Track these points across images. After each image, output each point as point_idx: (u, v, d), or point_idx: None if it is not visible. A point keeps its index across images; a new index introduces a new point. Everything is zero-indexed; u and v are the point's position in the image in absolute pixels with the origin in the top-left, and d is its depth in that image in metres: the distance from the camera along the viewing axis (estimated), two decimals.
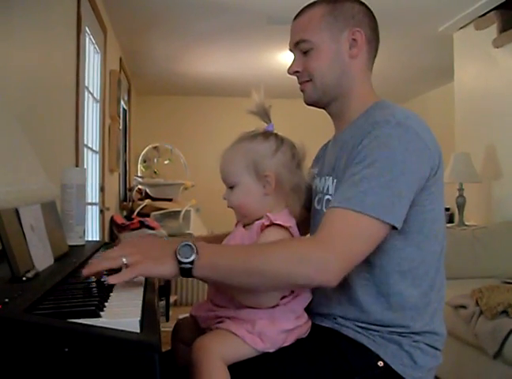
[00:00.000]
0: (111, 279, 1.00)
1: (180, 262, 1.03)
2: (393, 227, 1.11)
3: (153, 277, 1.16)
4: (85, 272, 1.04)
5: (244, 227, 1.26)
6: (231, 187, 1.24)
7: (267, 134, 1.24)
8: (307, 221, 1.40)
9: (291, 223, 1.19)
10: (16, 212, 1.07)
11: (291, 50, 1.35)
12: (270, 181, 1.20)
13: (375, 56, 1.35)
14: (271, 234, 1.16)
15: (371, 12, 1.33)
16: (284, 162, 1.21)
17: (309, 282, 1.06)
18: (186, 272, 1.04)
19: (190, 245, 1.04)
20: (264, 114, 1.27)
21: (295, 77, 1.36)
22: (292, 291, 1.20)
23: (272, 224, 1.16)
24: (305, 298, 1.22)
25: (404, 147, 1.12)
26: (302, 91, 1.35)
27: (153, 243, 1.18)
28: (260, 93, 1.25)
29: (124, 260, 1.03)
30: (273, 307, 1.16)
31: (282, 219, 1.17)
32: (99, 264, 1.05)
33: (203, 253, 1.04)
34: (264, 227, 1.17)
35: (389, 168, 1.10)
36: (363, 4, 1.33)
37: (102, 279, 1.08)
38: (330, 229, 1.09)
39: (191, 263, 1.03)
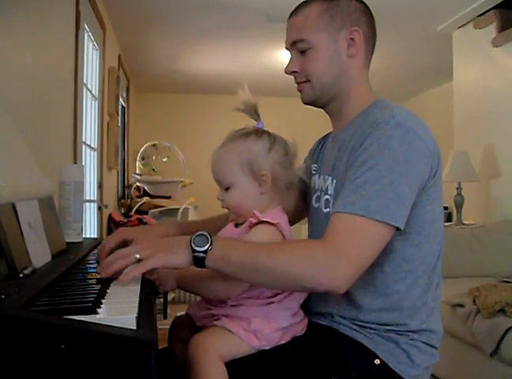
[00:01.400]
0: (123, 277, 1.02)
1: (194, 251, 1.05)
2: (397, 229, 1.11)
3: (168, 268, 1.15)
4: (103, 275, 1.05)
5: (236, 226, 1.26)
6: (226, 188, 1.23)
7: (259, 132, 1.23)
8: (300, 212, 1.42)
9: (280, 219, 1.19)
10: (13, 207, 1.07)
11: (287, 48, 1.34)
12: (266, 180, 1.20)
13: (373, 53, 1.35)
14: (258, 232, 1.16)
15: (368, 8, 1.32)
16: (279, 160, 1.21)
17: (317, 286, 1.04)
18: (199, 261, 1.05)
19: (205, 235, 1.06)
20: (252, 111, 1.25)
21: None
22: None
23: (260, 222, 1.16)
24: (300, 296, 1.22)
25: (404, 148, 1.12)
26: (299, 91, 1.34)
27: (165, 238, 1.23)
28: (245, 91, 1.25)
29: (137, 255, 1.04)
30: (269, 304, 1.16)
31: (271, 216, 1.17)
32: (114, 264, 1.05)
33: (217, 245, 1.06)
34: (252, 225, 1.17)
35: (390, 170, 1.10)
36: (359, 1, 1.31)
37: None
38: (338, 235, 1.08)
39: (205, 252, 1.05)
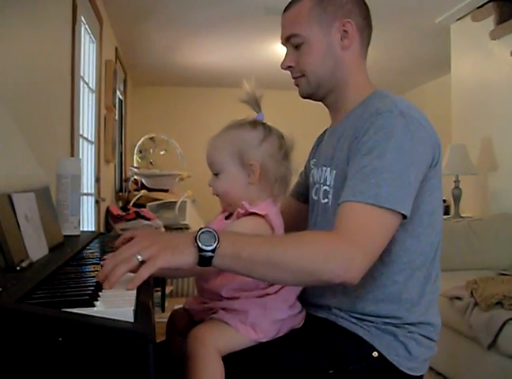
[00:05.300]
0: (130, 286, 0.91)
1: (201, 250, 0.96)
2: (403, 217, 1.11)
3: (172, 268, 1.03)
4: (107, 287, 0.91)
5: (227, 218, 1.26)
6: (216, 174, 1.24)
7: (255, 123, 1.24)
8: (300, 212, 1.41)
9: (268, 211, 1.17)
10: (10, 198, 1.06)
11: (283, 44, 1.35)
12: (255, 171, 1.19)
13: (369, 43, 1.34)
14: (244, 222, 1.15)
15: None
16: (271, 152, 1.21)
17: (334, 279, 1.02)
18: (205, 260, 0.97)
19: (210, 232, 0.97)
20: (254, 103, 1.26)
21: None
22: None
23: (249, 213, 1.16)
24: (296, 287, 1.22)
25: (409, 136, 1.12)
26: (296, 85, 1.35)
27: (166, 234, 1.16)
28: (251, 83, 1.25)
29: (139, 257, 0.93)
30: (264, 296, 1.16)
31: (259, 207, 1.17)
32: (116, 271, 0.92)
33: (224, 241, 0.98)
34: (240, 216, 1.17)
35: (398, 159, 1.10)
36: None
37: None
38: (350, 225, 1.07)
39: (213, 251, 0.96)
